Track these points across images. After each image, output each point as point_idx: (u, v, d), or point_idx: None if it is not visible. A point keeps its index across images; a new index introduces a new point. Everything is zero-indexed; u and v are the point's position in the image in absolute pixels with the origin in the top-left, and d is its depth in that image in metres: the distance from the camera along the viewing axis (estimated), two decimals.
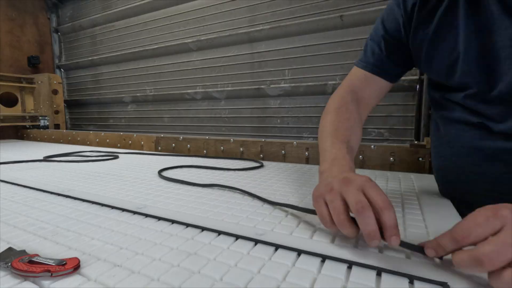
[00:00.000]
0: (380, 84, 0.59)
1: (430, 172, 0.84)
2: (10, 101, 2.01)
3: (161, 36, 1.89)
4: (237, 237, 0.39)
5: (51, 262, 0.30)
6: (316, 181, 0.55)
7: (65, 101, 2.40)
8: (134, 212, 0.49)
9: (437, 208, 0.51)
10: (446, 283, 0.28)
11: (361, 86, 0.59)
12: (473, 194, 0.50)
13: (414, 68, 0.60)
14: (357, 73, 0.60)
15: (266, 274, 0.30)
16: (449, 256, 0.33)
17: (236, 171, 0.86)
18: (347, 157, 0.45)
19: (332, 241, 0.37)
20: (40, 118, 2.08)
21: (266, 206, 0.53)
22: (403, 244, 0.32)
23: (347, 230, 0.33)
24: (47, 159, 1.11)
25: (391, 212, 0.31)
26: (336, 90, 0.62)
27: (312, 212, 0.41)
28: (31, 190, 0.65)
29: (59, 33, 2.43)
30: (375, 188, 0.33)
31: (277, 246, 0.36)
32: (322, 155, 0.49)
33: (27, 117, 2.06)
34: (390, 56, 0.56)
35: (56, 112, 2.13)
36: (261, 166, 0.93)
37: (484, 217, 0.26)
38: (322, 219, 0.36)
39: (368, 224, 0.31)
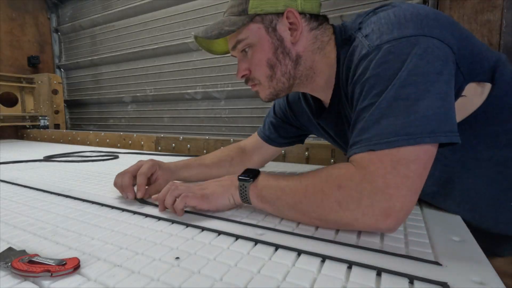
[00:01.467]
0: (273, 150, 0.76)
1: None
2: (10, 101, 2.01)
3: (161, 36, 1.88)
4: (237, 237, 0.39)
5: (51, 262, 0.30)
6: None
7: (65, 101, 2.40)
8: (134, 212, 0.49)
9: (437, 208, 0.51)
10: (446, 283, 0.28)
11: (251, 147, 0.76)
12: None
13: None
14: (254, 137, 0.77)
15: (266, 274, 0.30)
16: (450, 258, 0.33)
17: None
18: (176, 162, 0.66)
19: (332, 241, 0.37)
20: (40, 118, 2.08)
21: None
22: (142, 200, 0.55)
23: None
24: (47, 159, 1.11)
25: (141, 177, 0.56)
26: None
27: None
28: (31, 190, 0.65)
29: (59, 33, 2.43)
30: (145, 165, 0.58)
31: (277, 246, 0.36)
32: None
33: (27, 117, 2.06)
34: (280, 136, 0.73)
35: (56, 112, 2.13)
36: None
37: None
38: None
39: (122, 181, 0.55)
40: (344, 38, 0.48)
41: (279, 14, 0.50)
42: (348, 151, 0.41)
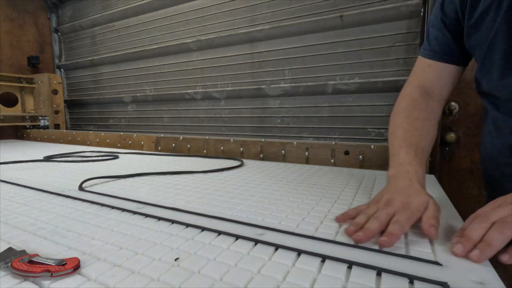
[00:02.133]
0: (451, 72, 0.56)
1: (430, 172, 0.84)
2: (10, 101, 2.01)
3: (161, 36, 1.89)
4: (237, 237, 0.39)
5: (51, 262, 0.30)
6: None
7: (65, 101, 2.40)
8: (134, 212, 0.49)
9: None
10: (446, 283, 0.28)
11: (430, 78, 0.56)
12: None
13: None
14: (424, 64, 0.57)
15: (266, 274, 0.30)
16: (450, 258, 0.33)
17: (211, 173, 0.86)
18: (414, 162, 0.47)
19: (332, 241, 0.37)
20: (40, 118, 2.08)
21: (266, 206, 0.53)
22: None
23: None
24: (47, 159, 1.11)
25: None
26: (404, 87, 0.60)
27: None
28: (31, 190, 0.65)
29: (59, 33, 2.43)
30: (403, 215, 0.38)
31: (277, 246, 0.36)
32: (391, 160, 0.50)
33: (27, 117, 2.06)
34: (455, 39, 0.53)
35: (56, 112, 2.13)
36: (241, 164, 0.93)
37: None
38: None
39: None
40: None
41: None
42: None
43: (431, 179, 0.73)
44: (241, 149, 1.16)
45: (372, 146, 0.91)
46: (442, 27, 0.54)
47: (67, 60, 2.42)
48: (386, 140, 1.29)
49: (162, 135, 1.42)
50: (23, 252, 0.33)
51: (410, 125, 0.52)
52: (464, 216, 0.40)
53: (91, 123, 2.37)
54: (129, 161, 1.06)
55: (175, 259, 0.33)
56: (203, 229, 0.42)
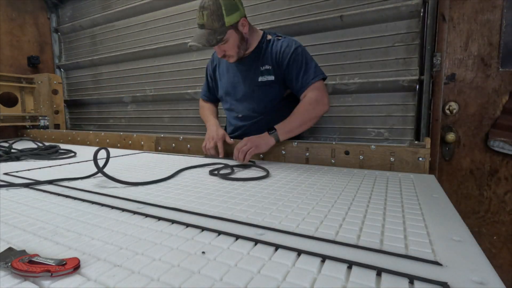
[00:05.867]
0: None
1: (430, 172, 0.84)
2: (10, 101, 2.01)
3: (161, 36, 1.88)
4: (237, 237, 0.39)
5: (51, 262, 0.30)
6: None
7: (65, 101, 2.40)
8: (134, 212, 0.49)
9: (437, 208, 0.51)
10: (446, 283, 0.28)
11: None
12: None
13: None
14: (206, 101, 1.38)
15: (266, 274, 0.30)
16: (450, 258, 0.33)
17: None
18: (216, 121, 1.23)
19: (332, 241, 0.37)
20: (40, 118, 2.08)
21: (266, 206, 0.53)
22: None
23: (211, 152, 1.10)
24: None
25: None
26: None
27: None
28: (31, 190, 0.65)
29: (59, 33, 2.43)
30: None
31: (277, 246, 0.36)
32: (207, 120, 1.26)
33: (27, 117, 2.06)
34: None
35: (56, 112, 2.13)
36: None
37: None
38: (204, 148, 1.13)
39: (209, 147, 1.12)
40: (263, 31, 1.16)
41: (238, 21, 1.03)
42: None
43: (431, 179, 0.73)
44: None
45: (372, 146, 0.91)
46: (207, 84, 1.41)
47: (67, 60, 2.42)
48: (386, 140, 1.30)
49: (162, 135, 1.42)
50: (23, 252, 0.33)
51: (210, 109, 1.34)
52: (464, 216, 0.40)
53: (91, 123, 2.37)
54: (129, 161, 1.06)
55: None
56: (203, 229, 0.42)
